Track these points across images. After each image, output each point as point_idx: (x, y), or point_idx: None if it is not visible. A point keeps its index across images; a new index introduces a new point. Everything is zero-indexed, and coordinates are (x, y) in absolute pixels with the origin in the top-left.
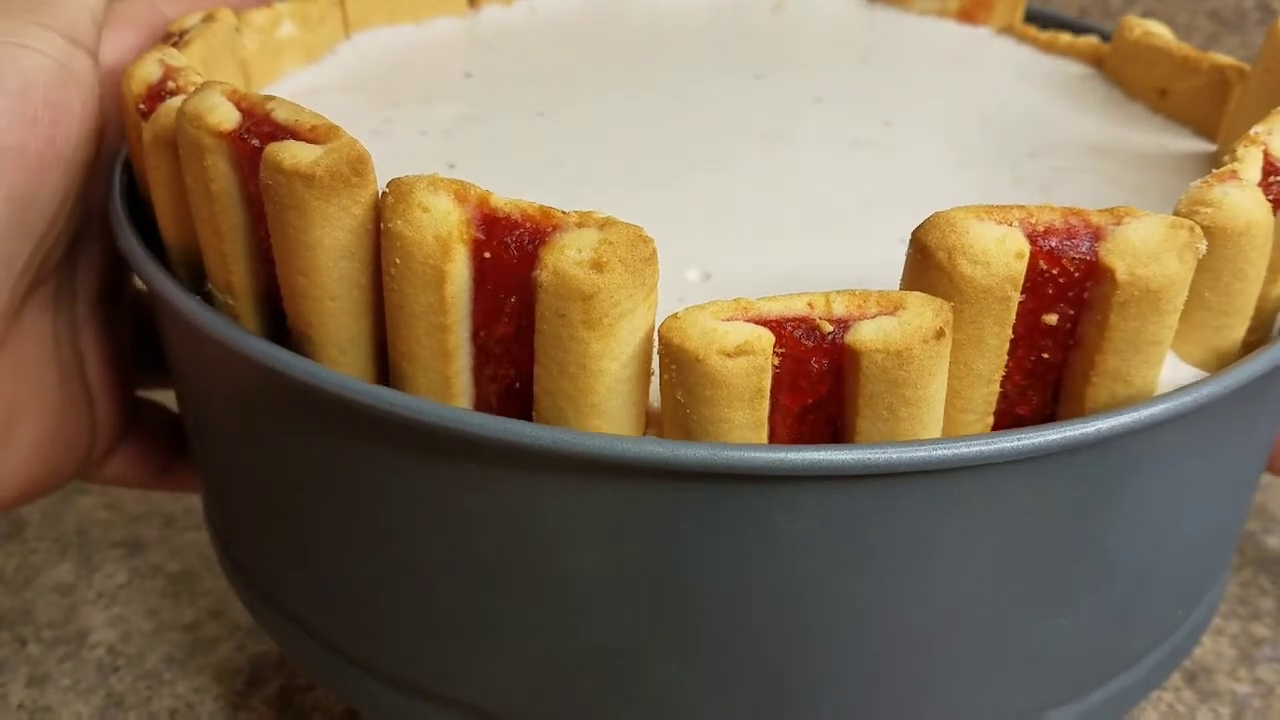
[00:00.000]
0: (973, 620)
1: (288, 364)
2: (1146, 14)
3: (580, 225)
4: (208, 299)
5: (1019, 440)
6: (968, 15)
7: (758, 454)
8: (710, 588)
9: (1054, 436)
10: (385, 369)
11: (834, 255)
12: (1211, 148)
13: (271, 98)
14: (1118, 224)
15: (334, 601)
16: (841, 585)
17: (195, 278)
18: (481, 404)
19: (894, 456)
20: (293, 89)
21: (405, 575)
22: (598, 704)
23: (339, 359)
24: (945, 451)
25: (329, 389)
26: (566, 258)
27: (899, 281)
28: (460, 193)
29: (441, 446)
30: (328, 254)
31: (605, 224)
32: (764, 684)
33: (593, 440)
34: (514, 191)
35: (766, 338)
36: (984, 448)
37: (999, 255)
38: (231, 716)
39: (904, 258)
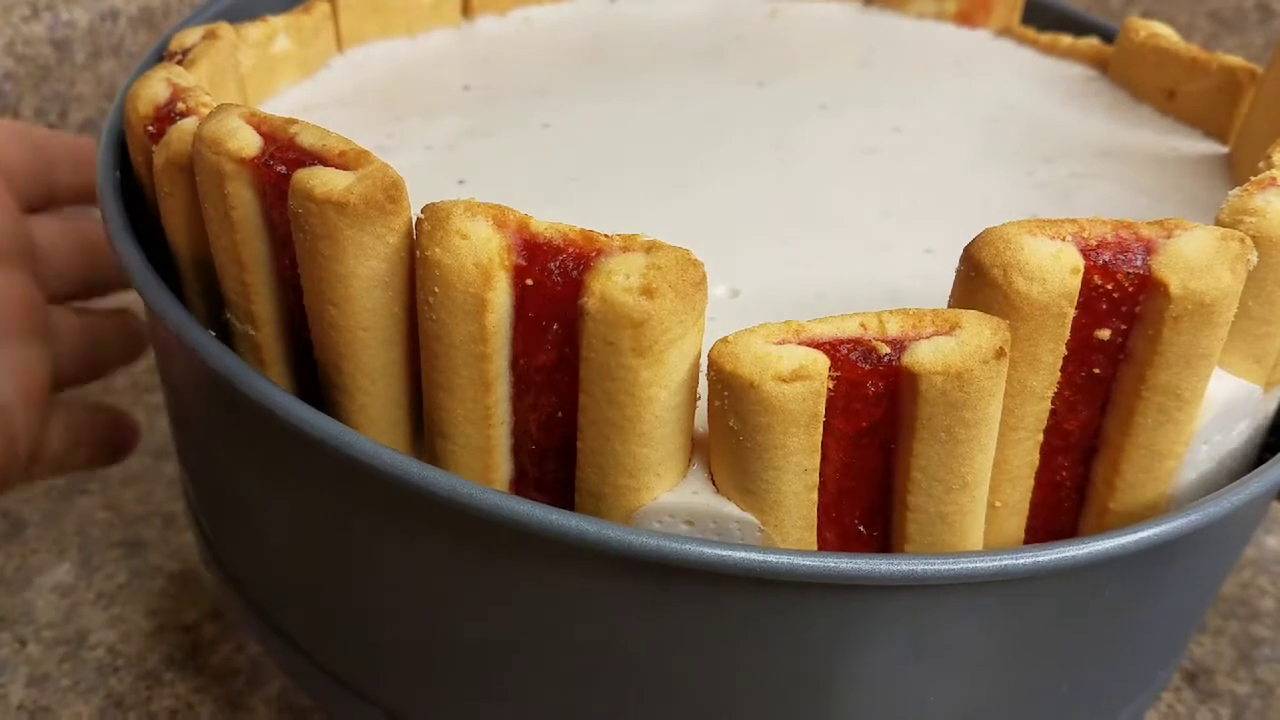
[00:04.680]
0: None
1: (312, 424)
2: (1146, 14)
3: (625, 249)
4: (226, 328)
5: (1019, 559)
6: (965, 18)
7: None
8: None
9: (1065, 555)
10: (417, 398)
11: (861, 267)
12: (1223, 149)
13: (294, 121)
14: (1168, 237)
15: (334, 637)
16: (868, 680)
17: (212, 306)
18: (520, 433)
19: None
20: (290, 105)
21: (420, 631)
22: None
23: (369, 389)
24: (944, 567)
25: (335, 447)
26: (614, 284)
27: (929, 294)
28: (499, 218)
29: (470, 531)
30: (361, 284)
31: (651, 248)
32: None
33: (624, 535)
34: (528, 207)
35: (822, 361)
36: (976, 566)
37: (1054, 271)
38: (231, 717)
39: (932, 269)
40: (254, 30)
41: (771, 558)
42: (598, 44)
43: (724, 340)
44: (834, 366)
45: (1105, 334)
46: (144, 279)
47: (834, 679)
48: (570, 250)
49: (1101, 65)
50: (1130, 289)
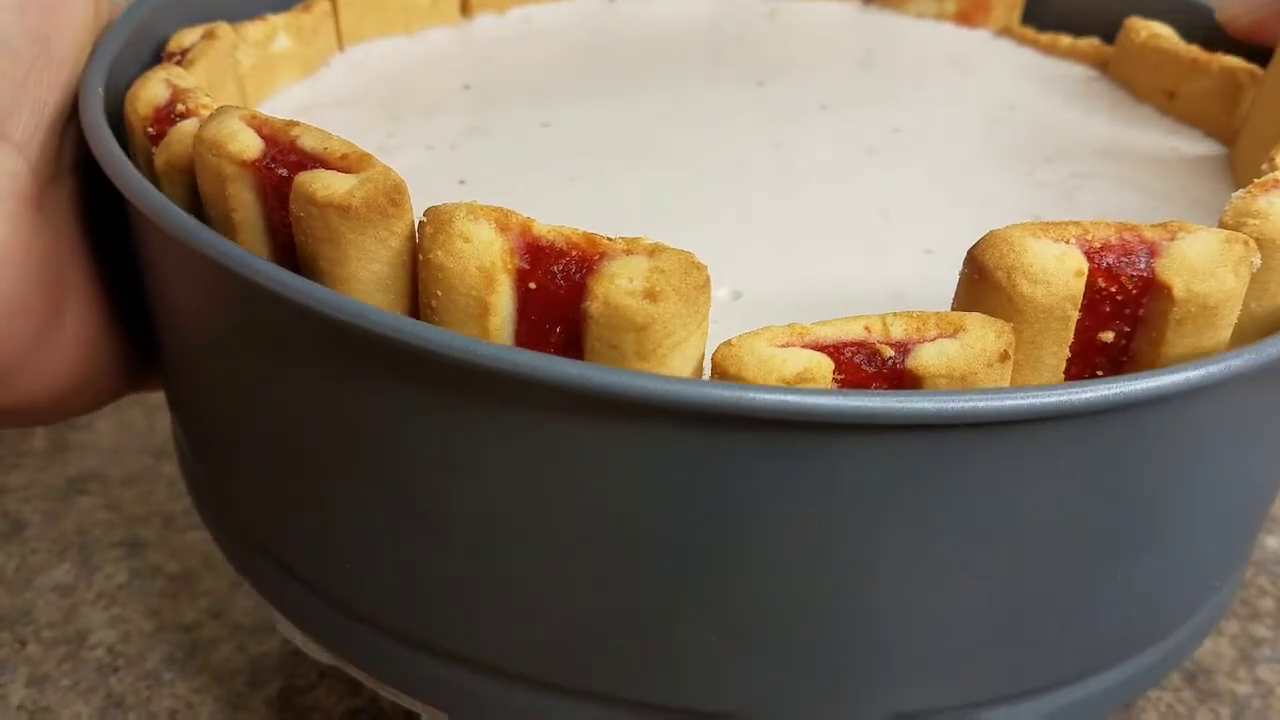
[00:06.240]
0: (1029, 574)
1: (303, 291)
2: None
3: (629, 252)
4: None
5: (1101, 390)
6: (965, 17)
7: (828, 400)
8: (757, 545)
9: (1134, 387)
10: None
11: (862, 268)
12: (1224, 150)
13: (295, 123)
14: (1172, 239)
15: (335, 552)
16: (898, 541)
17: None
18: None
19: (974, 405)
20: (290, 105)
21: (421, 526)
22: (625, 666)
23: None
24: (1026, 401)
25: (348, 320)
26: (618, 287)
27: (930, 294)
28: (502, 221)
29: (470, 387)
30: (363, 287)
31: (655, 251)
32: (812, 649)
33: (648, 382)
34: (529, 207)
35: (826, 364)
36: (1064, 397)
37: (1058, 274)
38: (231, 717)
39: (932, 269)
40: (253, 29)
41: (775, 397)
42: (597, 44)
43: (727, 343)
44: (838, 369)
45: (1109, 336)
46: (118, 166)
47: (855, 544)
48: (573, 253)
49: (1101, 65)
50: (1134, 291)
